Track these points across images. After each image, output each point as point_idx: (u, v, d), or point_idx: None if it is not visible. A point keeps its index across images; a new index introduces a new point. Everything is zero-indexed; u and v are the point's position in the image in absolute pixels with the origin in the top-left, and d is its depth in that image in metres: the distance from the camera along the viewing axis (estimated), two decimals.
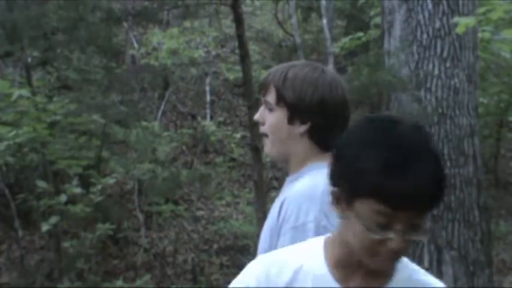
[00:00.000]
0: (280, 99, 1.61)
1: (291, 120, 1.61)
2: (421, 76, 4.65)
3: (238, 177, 8.62)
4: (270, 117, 1.64)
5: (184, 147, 8.74)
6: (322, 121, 1.60)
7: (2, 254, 6.65)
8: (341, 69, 7.37)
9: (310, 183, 1.53)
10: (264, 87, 1.66)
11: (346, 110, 1.63)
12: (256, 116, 1.68)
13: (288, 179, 1.68)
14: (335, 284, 1.18)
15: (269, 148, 1.68)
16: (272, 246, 1.51)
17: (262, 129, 1.67)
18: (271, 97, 1.63)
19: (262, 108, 1.67)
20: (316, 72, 1.62)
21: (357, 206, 1.09)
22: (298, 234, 1.44)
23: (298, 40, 8.66)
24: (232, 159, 8.82)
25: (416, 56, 4.69)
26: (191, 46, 8.95)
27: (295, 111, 1.60)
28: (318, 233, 1.42)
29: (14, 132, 5.11)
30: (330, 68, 1.72)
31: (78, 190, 5.33)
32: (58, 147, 5.74)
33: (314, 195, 1.48)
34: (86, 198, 5.44)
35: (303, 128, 1.61)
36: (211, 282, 6.67)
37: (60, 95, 6.45)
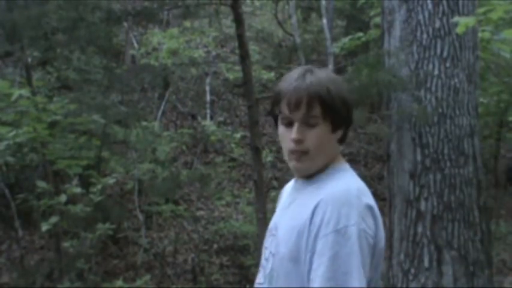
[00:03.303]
0: (327, 113, 1.59)
1: (335, 129, 1.63)
2: (421, 76, 4.64)
3: (238, 177, 8.62)
4: (313, 133, 1.60)
5: (184, 147, 8.74)
6: (350, 123, 1.67)
7: (2, 254, 6.66)
8: (341, 69, 7.37)
9: (343, 188, 1.57)
10: (305, 104, 1.58)
11: None
12: (298, 136, 1.60)
13: (309, 180, 1.66)
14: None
15: (309, 165, 1.63)
16: (300, 247, 1.54)
17: (302, 147, 1.61)
18: (316, 111, 1.58)
19: (297, 126, 1.60)
20: (339, 77, 1.67)
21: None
22: (340, 237, 1.48)
23: (298, 40, 8.66)
24: (232, 159, 8.82)
25: (416, 56, 4.68)
26: (191, 46, 8.97)
27: (340, 119, 1.62)
28: (359, 235, 1.50)
29: (14, 132, 5.11)
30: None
31: (78, 190, 5.34)
32: (58, 147, 5.75)
33: (350, 200, 1.53)
34: (86, 198, 5.45)
35: (339, 134, 1.65)
36: (211, 282, 6.66)
37: (60, 95, 6.45)
